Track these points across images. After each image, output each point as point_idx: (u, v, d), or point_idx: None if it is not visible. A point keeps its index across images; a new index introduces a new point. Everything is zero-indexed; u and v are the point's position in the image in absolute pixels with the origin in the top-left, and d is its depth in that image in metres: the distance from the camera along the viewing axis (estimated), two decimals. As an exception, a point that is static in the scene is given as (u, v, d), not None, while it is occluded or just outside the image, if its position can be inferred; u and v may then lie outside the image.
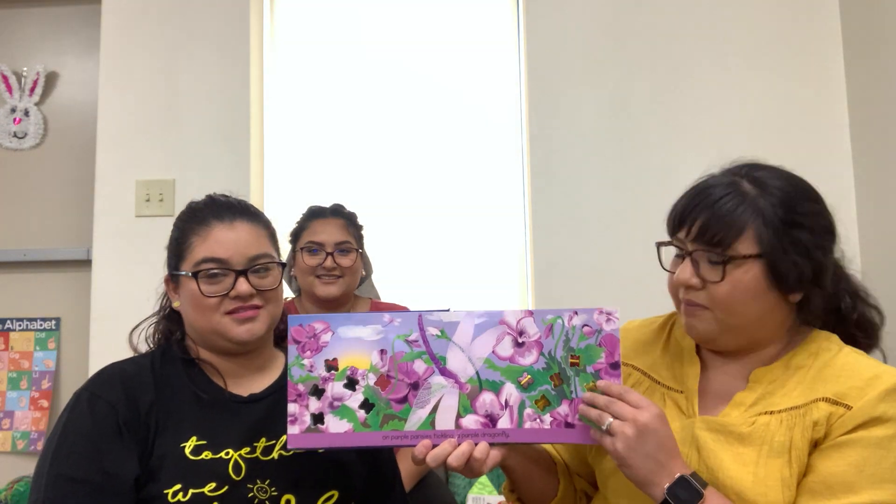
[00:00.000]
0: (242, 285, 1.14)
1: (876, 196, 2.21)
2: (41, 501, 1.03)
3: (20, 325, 2.57)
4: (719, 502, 0.91)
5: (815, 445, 0.92)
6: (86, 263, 2.49)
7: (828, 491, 0.89)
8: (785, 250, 0.93)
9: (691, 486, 0.90)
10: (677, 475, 0.91)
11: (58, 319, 2.58)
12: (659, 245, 1.04)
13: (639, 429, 0.92)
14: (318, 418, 1.02)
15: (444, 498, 1.90)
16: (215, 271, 1.14)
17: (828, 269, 0.97)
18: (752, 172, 0.99)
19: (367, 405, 1.03)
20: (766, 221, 0.93)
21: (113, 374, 1.15)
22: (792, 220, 0.94)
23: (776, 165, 1.03)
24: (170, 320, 1.24)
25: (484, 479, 2.04)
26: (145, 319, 1.26)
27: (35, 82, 2.63)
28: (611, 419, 0.94)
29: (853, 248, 2.23)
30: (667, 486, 0.90)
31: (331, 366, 1.04)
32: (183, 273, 1.17)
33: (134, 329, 1.25)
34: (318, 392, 1.03)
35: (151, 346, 1.24)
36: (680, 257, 1.01)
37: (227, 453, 1.11)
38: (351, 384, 1.04)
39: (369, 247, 2.17)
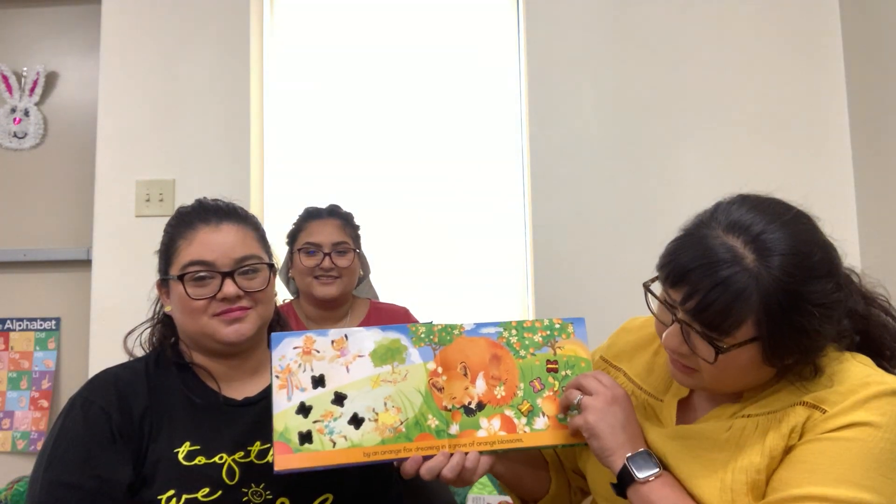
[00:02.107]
0: (229, 287, 1.14)
1: (876, 196, 2.20)
2: None
3: (20, 325, 2.57)
4: (674, 485, 0.92)
5: (789, 452, 0.89)
6: (86, 263, 2.49)
7: (782, 485, 0.86)
8: (783, 335, 0.86)
9: (651, 460, 0.94)
10: (640, 448, 0.95)
11: (58, 319, 2.57)
12: (646, 287, 0.97)
13: (608, 400, 0.98)
14: (305, 437, 1.00)
15: (444, 498, 1.90)
16: (202, 274, 1.14)
17: (828, 336, 0.90)
18: (760, 236, 0.87)
19: (356, 420, 1.02)
20: (767, 309, 0.85)
21: (107, 380, 1.15)
22: (795, 305, 0.85)
23: (789, 217, 0.90)
24: (164, 325, 1.24)
25: (484, 479, 2.03)
26: (140, 325, 1.26)
27: (35, 82, 2.62)
28: (580, 395, 1.00)
29: (853, 248, 2.23)
30: (628, 454, 0.94)
31: (317, 381, 1.03)
32: (171, 277, 1.17)
33: (129, 334, 1.24)
34: (305, 410, 1.01)
35: (146, 350, 1.24)
36: (668, 308, 0.94)
37: (220, 458, 1.11)
38: (339, 399, 1.02)
39: (368, 247, 2.17)
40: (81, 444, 1.07)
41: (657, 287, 0.97)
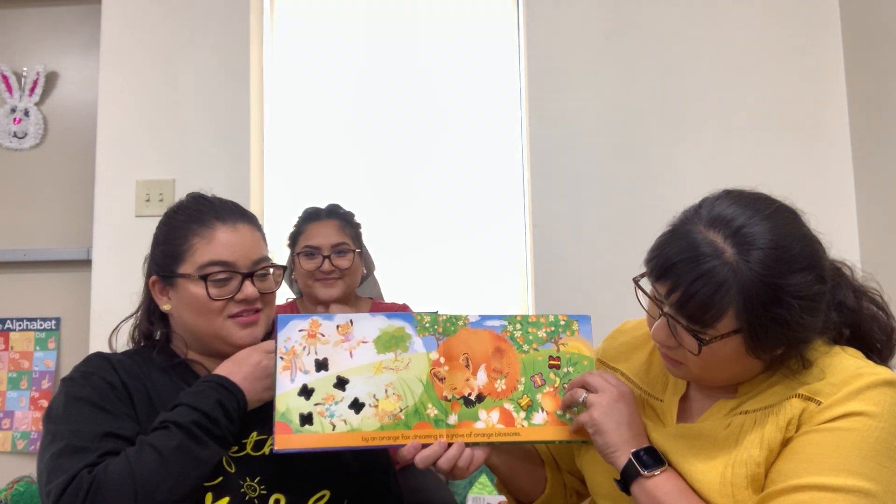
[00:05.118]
0: (248, 288, 1.14)
1: (876, 196, 2.21)
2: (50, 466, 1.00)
3: (20, 325, 2.57)
4: (678, 480, 0.94)
5: (787, 444, 0.91)
6: (86, 263, 2.49)
7: (781, 477, 0.88)
8: (764, 326, 0.88)
9: (656, 456, 0.96)
10: (645, 445, 0.97)
11: (58, 319, 2.58)
12: (636, 281, 0.99)
13: (614, 397, 0.99)
14: (306, 419, 1.01)
15: (444, 498, 1.90)
16: (224, 275, 1.13)
17: (812, 328, 0.91)
18: (741, 230, 0.89)
19: (356, 405, 1.03)
20: (746, 301, 0.87)
21: (101, 358, 1.14)
22: (774, 298, 0.87)
23: (770, 211, 0.92)
24: (151, 322, 1.21)
25: (484, 479, 2.04)
26: (123, 321, 1.24)
27: (35, 82, 2.63)
28: (585, 393, 1.01)
29: (853, 248, 2.23)
30: (633, 450, 0.95)
31: (321, 365, 1.04)
32: (183, 275, 1.14)
33: (114, 331, 1.23)
34: (307, 392, 1.03)
35: (129, 347, 1.23)
36: (655, 302, 0.96)
37: None
38: (341, 384, 1.04)
39: (369, 247, 2.17)
40: (89, 403, 1.05)
41: (647, 283, 0.98)
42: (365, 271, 2.12)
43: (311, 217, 2.05)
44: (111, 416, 1.05)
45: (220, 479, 1.06)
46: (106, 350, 1.21)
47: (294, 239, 2.05)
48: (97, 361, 1.13)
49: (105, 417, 1.04)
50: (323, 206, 2.08)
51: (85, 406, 1.05)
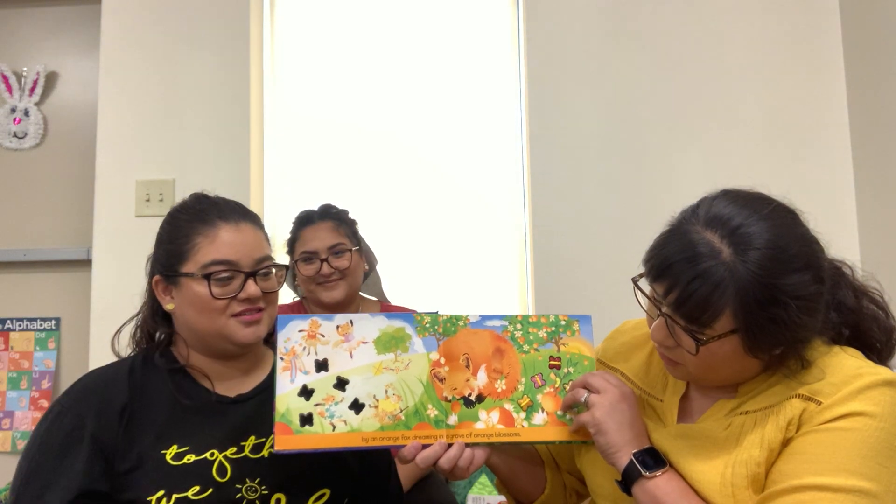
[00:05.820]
0: (251, 287, 1.14)
1: (876, 196, 2.20)
2: None
3: (20, 325, 2.57)
4: (679, 481, 0.94)
5: (787, 444, 0.91)
6: (86, 263, 2.49)
7: (781, 477, 0.88)
8: (761, 326, 0.88)
9: (657, 456, 0.96)
10: (647, 446, 0.97)
11: (58, 319, 2.58)
12: (635, 281, 0.99)
13: (616, 398, 0.99)
14: (306, 419, 1.01)
15: (444, 498, 1.90)
16: (226, 274, 1.13)
17: (810, 328, 0.92)
18: (738, 230, 0.89)
19: (356, 405, 1.03)
20: (743, 301, 0.87)
21: (85, 385, 1.14)
22: (771, 298, 0.87)
23: (768, 211, 0.92)
24: (155, 322, 1.22)
25: (484, 479, 2.04)
26: (126, 323, 1.24)
27: (35, 82, 2.63)
28: (587, 393, 1.01)
29: (853, 248, 2.23)
30: (634, 451, 0.95)
31: (321, 366, 1.04)
32: (186, 274, 1.14)
33: (116, 333, 1.23)
34: (307, 393, 1.03)
35: (131, 348, 1.23)
36: (653, 302, 0.97)
37: (211, 454, 1.10)
38: (341, 384, 1.04)
39: (369, 246, 2.16)
40: (50, 453, 1.06)
41: (646, 283, 0.98)
42: (367, 267, 2.10)
43: (305, 221, 2.03)
44: (59, 473, 1.05)
45: (211, 490, 1.06)
46: (108, 351, 1.22)
47: (291, 245, 2.04)
48: (80, 392, 1.13)
49: (52, 477, 1.05)
50: (316, 207, 2.06)
51: (43, 457, 1.07)
